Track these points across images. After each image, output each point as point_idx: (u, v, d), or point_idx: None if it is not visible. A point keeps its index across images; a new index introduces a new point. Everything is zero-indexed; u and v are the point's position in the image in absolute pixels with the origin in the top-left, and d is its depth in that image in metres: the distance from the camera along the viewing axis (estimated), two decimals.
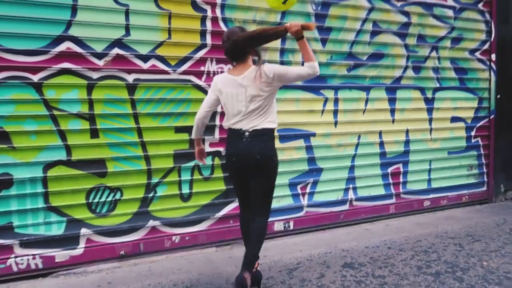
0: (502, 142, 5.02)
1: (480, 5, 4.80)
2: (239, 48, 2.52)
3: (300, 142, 3.88)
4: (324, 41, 3.93)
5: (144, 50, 3.26)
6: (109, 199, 3.21)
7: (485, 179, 5.00)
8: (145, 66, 3.28)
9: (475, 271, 2.99)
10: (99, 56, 3.13)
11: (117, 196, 3.23)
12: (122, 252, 3.23)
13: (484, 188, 5.01)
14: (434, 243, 3.60)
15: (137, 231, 3.30)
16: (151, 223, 3.33)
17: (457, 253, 3.34)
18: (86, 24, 3.07)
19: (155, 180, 3.34)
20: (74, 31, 3.04)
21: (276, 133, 2.78)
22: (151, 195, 3.33)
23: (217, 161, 3.54)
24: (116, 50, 3.17)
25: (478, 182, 4.96)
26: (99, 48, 3.13)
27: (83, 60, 3.09)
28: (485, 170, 4.99)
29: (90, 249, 3.14)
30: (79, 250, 3.12)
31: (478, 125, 4.92)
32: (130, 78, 3.23)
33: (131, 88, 3.24)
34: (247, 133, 2.50)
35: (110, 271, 3.09)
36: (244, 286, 2.38)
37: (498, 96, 4.97)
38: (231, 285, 2.75)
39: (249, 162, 2.50)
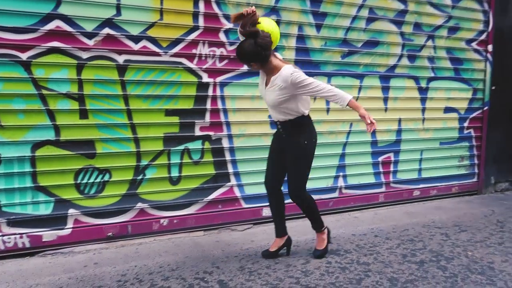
0: (495, 134, 5.03)
1: None
2: None
3: None
4: (318, 27, 3.89)
5: (135, 31, 3.21)
6: (98, 180, 3.20)
7: (476, 170, 5.03)
8: (136, 47, 3.23)
9: (459, 260, 3.02)
10: (89, 35, 3.08)
11: (106, 178, 3.22)
12: (110, 234, 3.24)
13: (475, 180, 5.04)
14: (421, 232, 3.63)
15: (125, 213, 3.31)
16: (140, 205, 3.34)
17: (443, 243, 3.37)
18: (76, 3, 3.01)
19: (144, 162, 3.33)
20: (64, 9, 2.98)
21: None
22: (140, 177, 3.33)
23: (207, 145, 3.53)
24: (106, 30, 3.12)
25: (468, 173, 4.98)
26: (89, 27, 3.07)
27: (73, 40, 3.04)
28: (476, 162, 5.01)
29: (77, 229, 3.15)
30: (66, 230, 3.13)
31: (471, 116, 4.92)
32: (121, 59, 3.19)
33: (122, 69, 3.20)
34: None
35: (97, 252, 3.11)
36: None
37: (493, 88, 4.96)
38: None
39: None
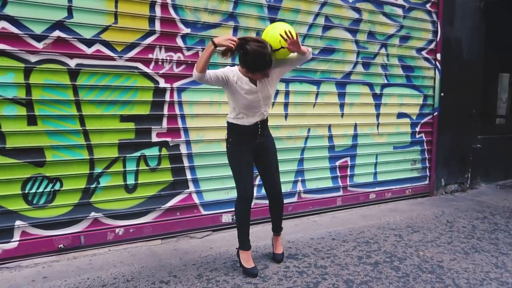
0: (444, 138, 5.29)
1: (428, 6, 4.99)
2: None
3: None
4: None
5: (88, 34, 3.11)
6: (48, 189, 3.06)
7: (428, 173, 5.26)
8: (89, 51, 3.13)
9: (411, 260, 3.13)
10: (38, 38, 2.95)
11: (57, 187, 3.08)
12: (61, 246, 3.10)
13: (426, 182, 5.26)
14: (376, 234, 3.74)
15: (78, 223, 3.17)
16: (93, 215, 3.22)
17: (396, 244, 3.49)
18: (24, 3, 2.88)
19: (98, 170, 3.22)
20: (10, 10, 2.84)
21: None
22: (93, 186, 3.21)
23: (164, 151, 3.47)
24: (57, 33, 3.00)
25: (421, 176, 5.20)
26: (38, 29, 2.94)
27: (20, 42, 2.89)
28: (427, 165, 5.24)
29: (25, 242, 2.99)
30: (13, 244, 2.95)
31: (423, 121, 5.15)
32: (72, 63, 3.07)
33: (73, 74, 3.08)
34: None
35: (47, 265, 2.95)
36: None
37: (442, 94, 5.21)
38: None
39: None
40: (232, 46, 2.49)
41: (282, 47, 2.61)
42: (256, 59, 2.52)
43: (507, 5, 5.95)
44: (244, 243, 2.88)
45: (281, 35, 2.57)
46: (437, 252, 3.30)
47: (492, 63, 6.07)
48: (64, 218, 3.11)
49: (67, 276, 2.77)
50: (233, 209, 3.76)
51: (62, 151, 3.08)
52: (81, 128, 3.14)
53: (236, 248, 3.00)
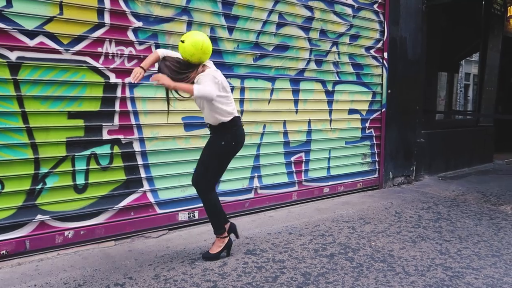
0: (391, 133, 5.55)
1: (375, 6, 5.20)
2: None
3: (206, 130, 3.81)
4: (231, 29, 3.91)
5: (30, 25, 2.90)
6: None
7: (377, 167, 5.49)
8: (32, 43, 2.92)
9: (364, 251, 3.26)
10: None
11: None
12: (4, 252, 2.88)
13: (376, 175, 5.50)
14: (331, 227, 3.85)
15: (22, 227, 2.97)
16: (40, 217, 3.02)
17: (350, 235, 3.61)
18: None
19: (44, 170, 3.02)
20: None
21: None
22: (39, 187, 3.01)
23: (116, 149, 3.33)
24: None
25: (370, 170, 5.42)
26: None
27: None
28: (376, 159, 5.48)
29: None
30: None
31: (372, 117, 5.36)
32: (13, 55, 2.86)
33: (14, 67, 2.87)
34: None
35: None
36: None
37: (389, 91, 5.46)
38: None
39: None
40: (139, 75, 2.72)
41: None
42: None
43: (446, 8, 6.35)
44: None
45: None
46: (387, 242, 3.46)
47: (432, 62, 6.45)
48: (6, 222, 2.90)
49: (11, 284, 2.59)
50: (190, 206, 3.75)
51: (3, 150, 2.86)
52: (24, 126, 2.93)
53: (220, 237, 3.04)
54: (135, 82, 2.73)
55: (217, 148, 2.93)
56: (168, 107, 2.99)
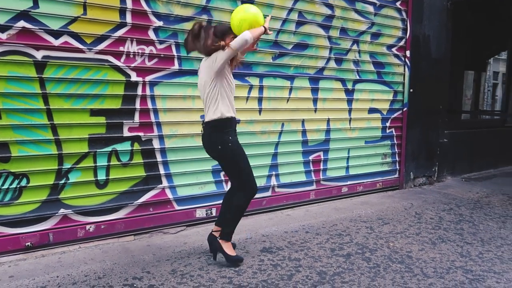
0: (413, 133, 5.45)
1: (398, 4, 5.11)
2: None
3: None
4: None
5: (55, 25, 3.00)
6: (13, 186, 2.94)
7: (397, 167, 5.40)
8: (57, 42, 3.02)
9: (382, 251, 3.22)
10: (2, 28, 2.81)
11: (23, 183, 2.97)
12: (28, 243, 2.99)
13: (396, 175, 5.41)
14: (349, 226, 3.82)
15: (46, 220, 3.07)
16: (62, 211, 3.12)
17: (368, 236, 3.57)
18: None
19: (67, 165, 3.12)
20: None
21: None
22: (62, 181, 3.11)
23: (136, 146, 3.40)
24: (22, 23, 2.88)
25: (391, 170, 5.34)
26: (1, 19, 2.81)
27: None
28: (397, 159, 5.39)
29: None
30: None
31: (393, 116, 5.28)
32: (39, 55, 2.96)
33: (40, 66, 2.97)
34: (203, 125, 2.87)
35: (13, 264, 2.85)
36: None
37: (411, 90, 5.36)
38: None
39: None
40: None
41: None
42: None
43: (472, 5, 6.17)
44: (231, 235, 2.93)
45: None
46: (406, 243, 3.41)
47: (458, 60, 6.29)
48: (31, 215, 3.01)
49: (35, 274, 2.69)
50: (208, 204, 3.79)
51: (29, 146, 2.97)
52: (48, 123, 3.03)
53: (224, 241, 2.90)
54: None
55: (227, 150, 2.86)
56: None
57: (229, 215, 2.90)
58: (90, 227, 3.24)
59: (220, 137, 2.77)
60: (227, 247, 2.87)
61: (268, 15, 2.93)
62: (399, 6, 5.13)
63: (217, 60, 2.67)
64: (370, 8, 4.85)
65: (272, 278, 2.70)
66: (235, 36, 2.69)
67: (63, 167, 3.11)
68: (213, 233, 2.95)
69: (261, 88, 4.06)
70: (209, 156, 3.69)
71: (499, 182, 6.02)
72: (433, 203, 4.74)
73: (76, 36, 3.08)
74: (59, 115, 3.07)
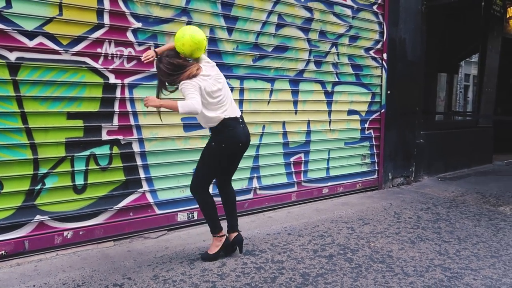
0: (390, 134, 5.55)
1: (374, 7, 5.20)
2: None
3: (205, 131, 3.82)
4: (230, 30, 3.91)
5: (29, 26, 2.91)
6: None
7: (376, 167, 5.49)
8: (31, 44, 2.93)
9: (363, 251, 3.26)
10: None
11: None
12: (2, 252, 2.88)
13: (375, 176, 5.50)
14: (330, 227, 3.85)
15: (21, 227, 2.97)
16: (39, 218, 3.03)
17: (349, 236, 3.61)
18: None
19: (43, 170, 3.03)
20: None
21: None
22: (38, 187, 3.02)
23: (115, 150, 3.33)
24: None
25: (370, 170, 5.43)
26: None
27: None
28: (376, 160, 5.48)
29: None
30: None
31: (371, 118, 5.36)
32: (12, 56, 2.86)
33: (14, 68, 2.87)
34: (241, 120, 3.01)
35: None
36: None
37: (388, 92, 5.46)
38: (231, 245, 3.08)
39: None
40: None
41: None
42: None
43: (445, 9, 6.36)
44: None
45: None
46: (386, 243, 3.46)
47: (432, 63, 6.47)
48: (5, 223, 2.90)
49: (11, 284, 2.59)
50: (190, 207, 3.76)
51: (2, 150, 2.87)
52: (23, 126, 2.93)
53: (217, 235, 3.04)
54: (145, 62, 2.87)
55: (206, 149, 3.00)
56: (160, 118, 3.16)
57: (236, 208, 3.17)
58: (68, 233, 3.15)
59: None
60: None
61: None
62: (376, 10, 5.23)
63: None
64: (348, 12, 4.92)
65: (255, 281, 2.69)
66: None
67: (39, 172, 3.01)
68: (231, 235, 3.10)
69: (241, 90, 4.05)
70: (189, 159, 3.69)
71: (472, 181, 6.21)
72: (411, 202, 4.84)
73: (51, 37, 3.00)
74: (34, 119, 2.97)
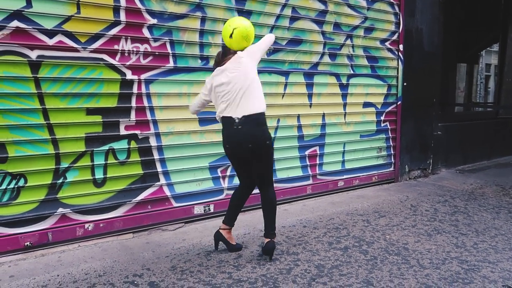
0: (407, 127, 5.49)
1: None
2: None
3: (220, 125, 3.86)
4: None
5: (49, 25, 2.99)
6: (11, 186, 2.94)
7: (392, 160, 5.45)
8: (51, 42, 3.01)
9: (378, 244, 3.26)
10: None
11: (21, 183, 2.97)
12: (28, 243, 3.00)
13: (391, 169, 5.46)
14: (345, 220, 3.86)
15: (45, 220, 3.08)
16: (61, 210, 3.13)
17: (364, 229, 3.61)
18: None
19: (64, 165, 3.12)
20: None
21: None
22: (60, 181, 3.12)
23: (133, 144, 3.41)
24: (15, 23, 2.86)
25: (386, 163, 5.39)
26: None
27: None
28: (392, 152, 5.43)
29: None
30: None
31: (387, 110, 5.32)
32: (33, 54, 2.95)
33: (35, 66, 2.96)
34: (237, 120, 2.77)
35: (13, 263, 2.86)
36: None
37: (405, 84, 5.40)
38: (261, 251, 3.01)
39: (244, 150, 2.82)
40: None
41: None
42: None
43: None
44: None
45: None
46: (402, 235, 3.45)
47: (450, 53, 6.34)
48: (30, 215, 3.01)
49: (36, 274, 2.70)
50: (206, 200, 3.81)
51: (26, 146, 2.97)
52: (45, 122, 3.03)
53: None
54: None
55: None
56: None
57: (271, 214, 2.96)
58: (89, 225, 3.25)
59: (268, 132, 2.87)
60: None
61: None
62: (392, 0, 5.16)
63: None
64: (363, 3, 4.87)
65: (271, 272, 2.73)
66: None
67: (61, 166, 3.11)
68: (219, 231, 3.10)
69: None
70: (205, 153, 3.74)
71: (492, 173, 6.10)
72: (428, 195, 4.79)
73: (70, 35, 3.07)
74: (55, 115, 3.06)
